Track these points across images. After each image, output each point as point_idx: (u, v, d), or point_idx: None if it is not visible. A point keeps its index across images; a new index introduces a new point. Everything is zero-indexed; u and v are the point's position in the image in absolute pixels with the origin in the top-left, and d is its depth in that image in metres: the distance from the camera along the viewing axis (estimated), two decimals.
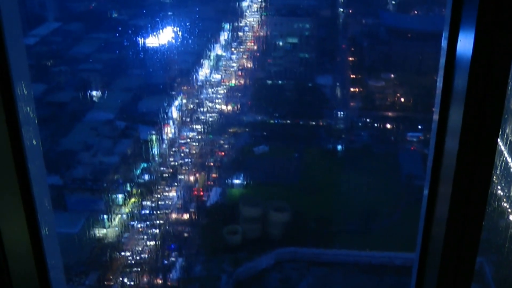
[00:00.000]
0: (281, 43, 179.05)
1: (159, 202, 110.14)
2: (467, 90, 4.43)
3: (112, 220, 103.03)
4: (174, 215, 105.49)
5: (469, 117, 4.49)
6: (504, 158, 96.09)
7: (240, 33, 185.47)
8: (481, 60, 4.33)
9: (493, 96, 4.45)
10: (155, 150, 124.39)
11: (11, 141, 5.14)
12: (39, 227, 5.29)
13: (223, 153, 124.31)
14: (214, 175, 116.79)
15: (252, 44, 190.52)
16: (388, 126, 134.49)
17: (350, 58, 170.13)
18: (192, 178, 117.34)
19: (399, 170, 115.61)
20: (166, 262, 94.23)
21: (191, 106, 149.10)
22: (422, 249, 6.13)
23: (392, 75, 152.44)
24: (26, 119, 5.59)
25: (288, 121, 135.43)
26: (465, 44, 4.49)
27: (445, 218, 5.14)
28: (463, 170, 4.63)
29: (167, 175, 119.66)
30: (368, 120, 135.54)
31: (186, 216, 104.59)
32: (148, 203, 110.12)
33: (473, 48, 4.30)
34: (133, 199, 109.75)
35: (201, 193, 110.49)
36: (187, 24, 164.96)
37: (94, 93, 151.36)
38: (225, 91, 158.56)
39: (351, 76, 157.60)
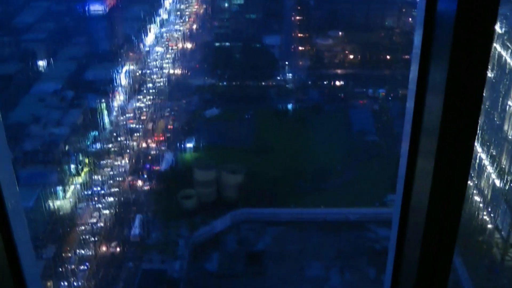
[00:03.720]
0: (227, 5, 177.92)
1: (112, 170, 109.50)
2: (452, 46, 4.32)
3: (66, 191, 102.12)
4: (127, 182, 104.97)
5: (454, 74, 4.38)
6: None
7: None
8: (466, 15, 4.23)
9: (478, 52, 4.35)
10: (105, 119, 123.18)
11: None
12: (4, 202, 5.19)
13: (173, 118, 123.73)
14: (165, 140, 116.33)
15: (198, 7, 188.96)
16: (338, 83, 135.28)
17: (297, 17, 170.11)
18: (144, 144, 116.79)
19: (350, 126, 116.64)
20: (122, 230, 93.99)
21: (139, 72, 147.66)
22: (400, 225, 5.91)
23: (340, 33, 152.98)
24: None
25: (238, 83, 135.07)
26: None
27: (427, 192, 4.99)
28: (447, 128, 4.50)
29: (118, 142, 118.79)
30: (317, 78, 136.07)
31: (140, 183, 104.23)
32: (101, 171, 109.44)
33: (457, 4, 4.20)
34: (85, 169, 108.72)
35: (153, 159, 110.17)
36: None
37: (39, 63, 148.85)
38: (172, 55, 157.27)
39: (299, 35, 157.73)
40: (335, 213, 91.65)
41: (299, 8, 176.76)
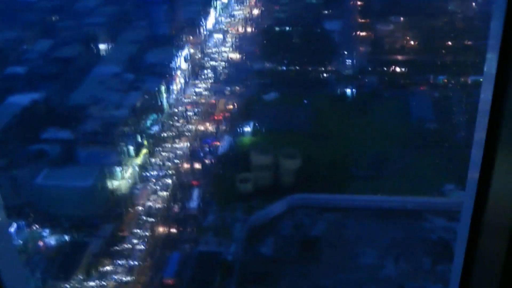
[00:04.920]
0: None
1: (170, 153, 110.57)
2: None
3: (125, 172, 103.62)
4: (185, 165, 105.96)
5: None
6: None
7: None
8: None
9: None
10: (165, 101, 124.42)
11: None
12: None
13: (232, 102, 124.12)
14: (223, 124, 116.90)
15: None
16: (398, 70, 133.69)
17: (359, 2, 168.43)
18: (202, 127, 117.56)
19: (409, 113, 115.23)
20: (179, 212, 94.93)
21: (199, 55, 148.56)
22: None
23: (401, 18, 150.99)
24: None
25: (297, 68, 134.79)
26: None
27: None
28: None
29: (177, 125, 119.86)
30: (377, 64, 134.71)
31: (197, 166, 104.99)
32: (160, 153, 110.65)
33: None
34: (144, 151, 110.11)
35: (213, 143, 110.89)
36: None
37: (100, 46, 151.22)
38: (232, 39, 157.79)
39: (359, 20, 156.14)
40: (391, 201, 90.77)
41: None
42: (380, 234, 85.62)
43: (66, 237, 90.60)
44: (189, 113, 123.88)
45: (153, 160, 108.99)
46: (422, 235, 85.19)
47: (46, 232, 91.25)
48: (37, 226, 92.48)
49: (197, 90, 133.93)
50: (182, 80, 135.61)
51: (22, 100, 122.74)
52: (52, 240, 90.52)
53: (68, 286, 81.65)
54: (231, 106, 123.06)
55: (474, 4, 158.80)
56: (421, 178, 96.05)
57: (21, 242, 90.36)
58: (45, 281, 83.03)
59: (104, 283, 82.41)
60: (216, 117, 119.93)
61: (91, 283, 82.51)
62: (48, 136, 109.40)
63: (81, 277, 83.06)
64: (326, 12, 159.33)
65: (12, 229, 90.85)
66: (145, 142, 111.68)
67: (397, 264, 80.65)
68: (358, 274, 78.90)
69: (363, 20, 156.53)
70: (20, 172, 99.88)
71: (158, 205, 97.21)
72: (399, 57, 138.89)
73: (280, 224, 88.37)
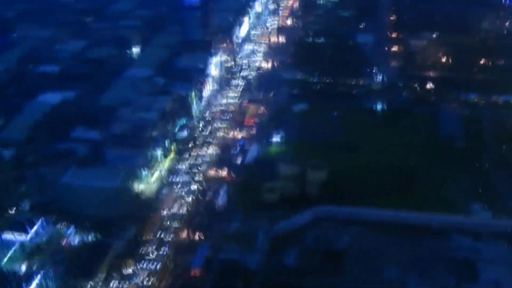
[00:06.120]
0: (321, 1, 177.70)
1: (198, 159, 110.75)
2: None
3: (151, 175, 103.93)
4: (212, 172, 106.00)
5: None
6: None
7: None
8: None
9: None
10: (194, 107, 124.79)
11: None
12: None
13: (261, 111, 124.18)
14: (252, 133, 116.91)
15: (292, 1, 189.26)
16: (428, 86, 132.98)
17: (392, 17, 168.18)
18: (230, 135, 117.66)
19: (438, 130, 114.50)
20: (203, 218, 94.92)
21: (230, 63, 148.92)
22: None
23: (435, 35, 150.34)
24: None
25: (328, 80, 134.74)
26: None
27: None
28: None
29: (205, 132, 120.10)
30: (407, 80, 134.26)
31: (224, 173, 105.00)
32: (187, 159, 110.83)
33: None
34: (171, 155, 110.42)
35: (238, 150, 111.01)
36: None
37: (133, 49, 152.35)
38: (264, 48, 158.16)
39: (392, 35, 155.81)
40: (416, 217, 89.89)
41: (393, 7, 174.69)
42: (404, 250, 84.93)
43: (90, 237, 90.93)
44: (218, 120, 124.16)
45: (180, 165, 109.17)
46: (446, 253, 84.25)
47: (70, 230, 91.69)
48: (61, 224, 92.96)
49: (227, 97, 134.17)
50: (213, 87, 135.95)
51: (53, 98, 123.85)
52: (76, 239, 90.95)
53: (89, 285, 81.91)
54: (260, 115, 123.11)
55: (507, 23, 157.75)
56: (448, 196, 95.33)
57: (45, 239, 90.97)
58: (67, 278, 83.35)
59: (125, 286, 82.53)
60: (244, 125, 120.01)
61: (113, 284, 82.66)
62: (76, 135, 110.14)
63: (103, 277, 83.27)
64: (359, 25, 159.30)
65: (37, 225, 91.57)
66: (173, 147, 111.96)
67: (421, 282, 79.85)
68: None
69: (395, 35, 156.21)
70: (47, 170, 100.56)
71: (183, 211, 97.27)
72: (430, 73, 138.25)
73: (304, 235, 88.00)
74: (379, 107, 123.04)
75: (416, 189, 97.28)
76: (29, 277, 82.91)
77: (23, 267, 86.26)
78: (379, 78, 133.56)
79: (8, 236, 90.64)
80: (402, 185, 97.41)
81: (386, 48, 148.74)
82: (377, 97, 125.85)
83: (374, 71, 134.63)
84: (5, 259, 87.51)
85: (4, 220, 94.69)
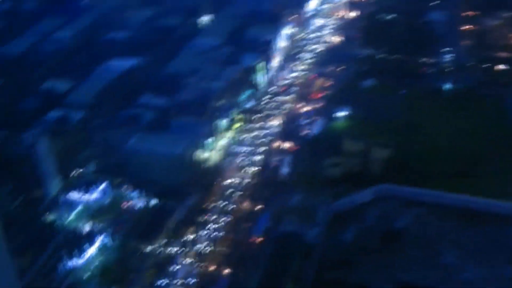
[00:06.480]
0: None
1: (263, 130, 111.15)
2: None
3: (215, 144, 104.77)
4: (276, 143, 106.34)
5: None
6: None
7: None
8: None
9: None
10: (261, 78, 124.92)
11: None
12: None
13: (328, 85, 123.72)
14: (318, 107, 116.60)
15: None
16: (499, 67, 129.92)
17: None
18: (296, 107, 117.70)
19: (506, 113, 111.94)
20: (264, 189, 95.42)
21: (300, 36, 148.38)
22: None
23: (510, 14, 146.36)
24: None
25: (396, 57, 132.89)
26: None
27: None
28: None
29: (272, 103, 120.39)
30: (478, 60, 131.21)
31: (288, 145, 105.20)
32: (251, 129, 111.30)
33: None
34: (236, 125, 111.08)
35: (304, 123, 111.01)
36: None
37: (201, 18, 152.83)
38: (334, 22, 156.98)
39: (466, 13, 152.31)
40: (480, 203, 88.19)
41: None
42: (465, 235, 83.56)
43: (153, 201, 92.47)
44: (285, 92, 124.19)
45: (244, 135, 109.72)
46: (508, 242, 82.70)
47: (134, 194, 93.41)
48: (125, 187, 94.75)
49: (294, 70, 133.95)
50: (281, 59, 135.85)
51: (121, 65, 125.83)
52: (139, 203, 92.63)
53: (150, 248, 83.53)
54: (327, 90, 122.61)
55: None
56: None
57: (108, 200, 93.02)
58: (128, 240, 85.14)
59: (186, 250, 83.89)
60: (310, 99, 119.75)
61: (173, 249, 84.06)
62: (143, 101, 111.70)
63: (163, 242, 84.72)
64: (431, 2, 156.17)
65: (102, 187, 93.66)
66: (239, 117, 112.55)
67: (479, 269, 78.71)
68: (438, 272, 77.54)
69: (469, 13, 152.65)
70: (114, 134, 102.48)
71: (245, 181, 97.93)
72: (503, 54, 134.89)
73: (364, 212, 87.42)
74: (447, 87, 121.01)
75: (481, 174, 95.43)
76: (92, 236, 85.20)
77: (87, 227, 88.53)
78: (449, 57, 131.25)
79: (73, 196, 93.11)
80: (467, 169, 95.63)
81: (458, 27, 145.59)
82: (446, 77, 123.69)
83: (444, 50, 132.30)
84: (70, 218, 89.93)
85: (70, 180, 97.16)
